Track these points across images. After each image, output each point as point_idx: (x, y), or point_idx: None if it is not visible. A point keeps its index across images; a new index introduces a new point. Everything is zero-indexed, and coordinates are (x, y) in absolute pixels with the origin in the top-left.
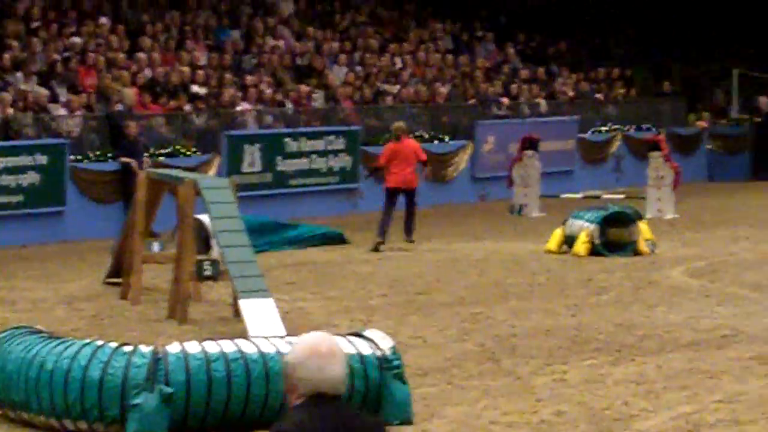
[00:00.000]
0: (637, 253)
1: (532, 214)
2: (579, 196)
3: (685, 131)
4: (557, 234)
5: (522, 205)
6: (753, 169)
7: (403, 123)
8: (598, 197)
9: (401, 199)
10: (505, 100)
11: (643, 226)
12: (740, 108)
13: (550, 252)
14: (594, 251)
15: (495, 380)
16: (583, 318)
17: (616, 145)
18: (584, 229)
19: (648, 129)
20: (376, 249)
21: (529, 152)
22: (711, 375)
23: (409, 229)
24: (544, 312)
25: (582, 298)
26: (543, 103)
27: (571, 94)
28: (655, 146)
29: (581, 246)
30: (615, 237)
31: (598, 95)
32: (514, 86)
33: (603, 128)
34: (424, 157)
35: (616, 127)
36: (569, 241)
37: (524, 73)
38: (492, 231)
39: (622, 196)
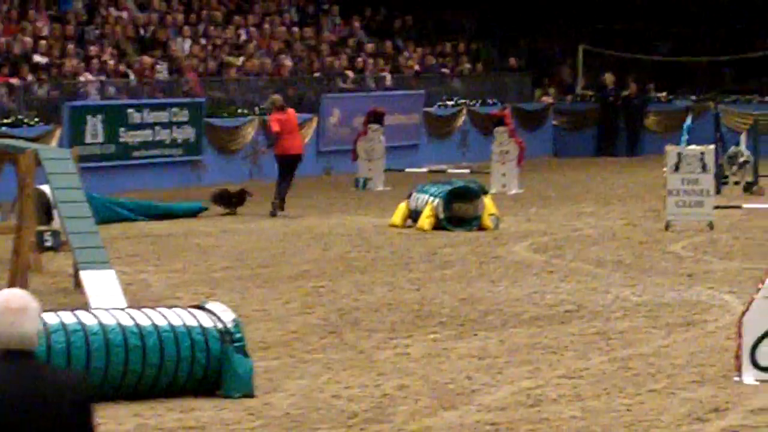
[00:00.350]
0: (481, 227)
1: (376, 188)
2: (424, 170)
3: (531, 107)
4: (402, 208)
5: (367, 179)
6: (597, 146)
7: (278, 95)
8: (443, 172)
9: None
10: (351, 74)
11: (487, 201)
12: (585, 84)
13: (394, 226)
14: (438, 225)
15: (338, 354)
16: (427, 292)
17: (462, 119)
18: (429, 203)
19: (493, 104)
20: (273, 213)
21: (375, 126)
22: (553, 350)
23: (281, 197)
24: (388, 286)
25: (426, 272)
26: (388, 77)
27: (416, 68)
28: (500, 121)
29: (426, 220)
30: (459, 211)
31: (444, 70)
32: (359, 60)
33: (449, 103)
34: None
35: (462, 101)
36: (414, 215)
37: (370, 47)
38: (337, 205)
39: (467, 170)
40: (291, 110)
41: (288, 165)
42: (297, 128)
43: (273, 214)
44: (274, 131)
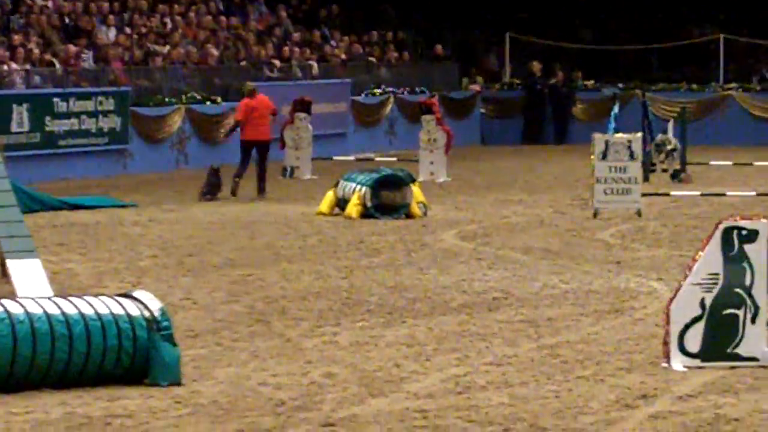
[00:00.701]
0: (409, 215)
1: (304, 177)
2: (351, 158)
3: (458, 95)
4: (329, 196)
5: (294, 168)
6: (525, 134)
7: (251, 83)
8: (370, 160)
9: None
10: (277, 63)
11: (415, 189)
12: (512, 73)
13: (322, 214)
14: (366, 214)
15: (265, 342)
16: (355, 280)
17: (389, 108)
18: (356, 191)
19: (421, 92)
20: (233, 193)
21: (302, 115)
22: (482, 337)
23: (262, 188)
24: (316, 274)
25: (354, 260)
26: (315, 66)
27: (343, 56)
28: (427, 109)
29: (353, 208)
30: (387, 199)
31: (371, 58)
32: (286, 49)
33: (376, 91)
34: (273, 107)
35: (389, 90)
36: (341, 203)
37: (296, 36)
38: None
39: (394, 158)
40: (261, 97)
41: (248, 151)
42: (265, 115)
43: (233, 193)
44: (236, 118)
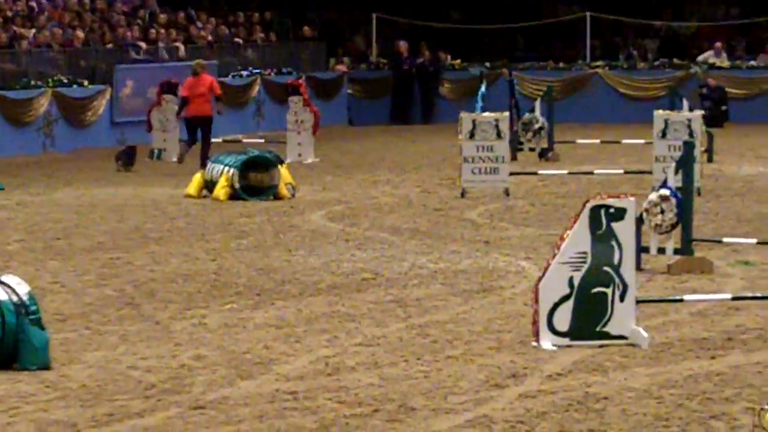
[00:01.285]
0: (277, 197)
1: (171, 159)
2: (219, 140)
3: (325, 76)
4: (197, 178)
5: (161, 150)
6: (392, 114)
7: (203, 60)
8: (238, 141)
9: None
10: (144, 45)
11: (283, 170)
12: (379, 53)
13: (189, 196)
14: (234, 195)
15: (134, 325)
16: (224, 262)
17: (256, 89)
18: (224, 173)
19: (288, 73)
20: (180, 159)
21: (169, 97)
22: (351, 318)
23: (204, 163)
24: (184, 257)
25: (222, 242)
26: (182, 48)
27: (209, 38)
28: (294, 90)
29: (221, 190)
30: (255, 181)
31: (237, 39)
32: (152, 31)
33: (243, 73)
34: (218, 92)
35: (256, 71)
36: (209, 185)
37: (163, 18)
38: (131, 176)
39: (262, 140)
40: (205, 76)
41: (194, 127)
42: (207, 93)
43: (179, 161)
44: (180, 95)
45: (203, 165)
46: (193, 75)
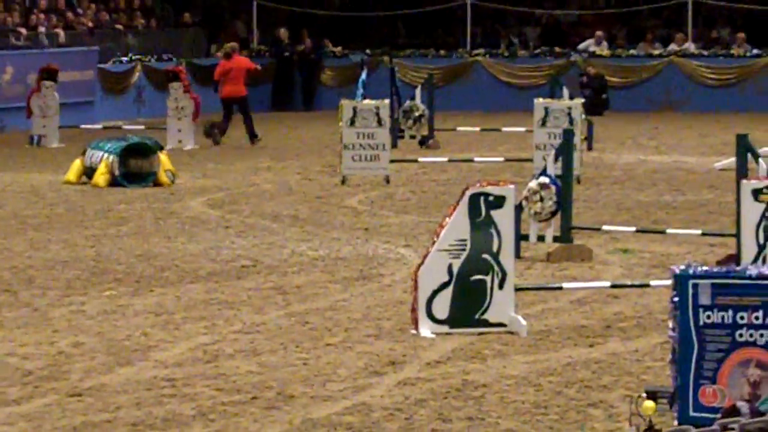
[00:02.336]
0: (157, 183)
1: (51, 145)
2: (99, 126)
3: (206, 62)
4: (77, 165)
5: (41, 136)
6: (273, 100)
7: (235, 43)
8: (118, 128)
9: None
10: (24, 31)
11: (163, 156)
12: (260, 40)
13: (69, 183)
14: (114, 182)
15: (12, 312)
16: (103, 249)
17: (137, 75)
18: (104, 159)
19: (169, 60)
20: (216, 143)
21: (48, 83)
22: (230, 305)
23: (251, 134)
24: (63, 243)
25: (101, 229)
26: (62, 34)
27: (90, 24)
28: (175, 77)
29: (101, 177)
30: (135, 168)
31: (118, 26)
32: (32, 17)
33: (123, 59)
34: (252, 66)
35: (137, 57)
36: (89, 172)
37: (43, 4)
38: (10, 162)
39: (142, 126)
40: (238, 57)
41: (230, 107)
42: (240, 74)
43: (216, 143)
44: (215, 78)
45: (253, 138)
46: (226, 58)
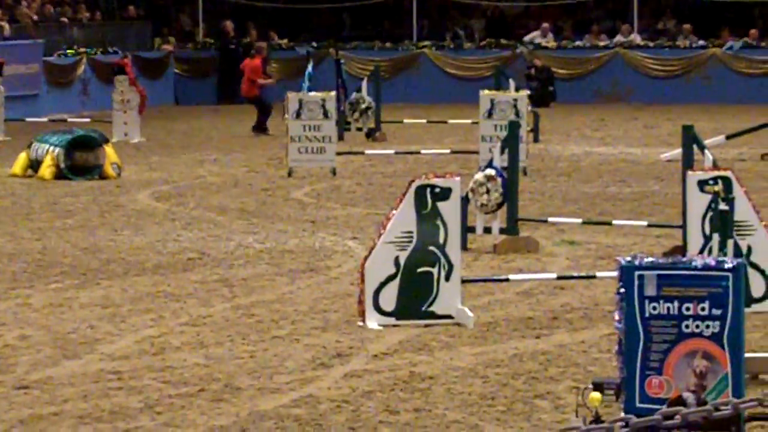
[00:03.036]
0: (103, 176)
1: None
2: (44, 119)
3: (151, 55)
4: (22, 158)
5: None
6: (219, 93)
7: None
8: (64, 121)
9: None
10: None
11: (109, 149)
12: (206, 32)
13: (14, 176)
14: (60, 175)
15: None
16: (48, 242)
17: (82, 68)
18: (49, 152)
19: (114, 53)
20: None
21: None
22: (176, 298)
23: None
24: (9, 236)
25: (47, 221)
26: (7, 27)
27: (35, 17)
28: (120, 70)
29: (46, 170)
30: (81, 160)
31: (63, 18)
32: None
33: (68, 51)
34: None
35: (82, 50)
36: (34, 165)
37: None
38: None
39: (88, 119)
40: (257, 58)
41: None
42: (247, 73)
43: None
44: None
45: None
46: (251, 57)
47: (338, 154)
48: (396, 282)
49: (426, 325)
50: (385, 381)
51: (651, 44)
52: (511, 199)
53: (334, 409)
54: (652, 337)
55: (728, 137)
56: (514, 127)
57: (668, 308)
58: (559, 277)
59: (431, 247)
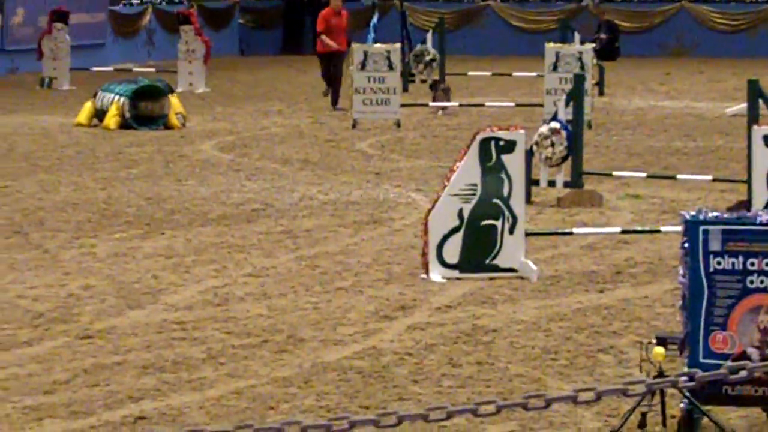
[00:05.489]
0: (167, 126)
1: (62, 87)
2: (110, 69)
3: (217, 5)
4: (87, 107)
5: (52, 78)
6: (283, 44)
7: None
8: (129, 70)
9: None
10: None
11: (174, 99)
12: None
13: (80, 125)
14: (124, 124)
15: (22, 254)
16: (113, 191)
17: (148, 18)
18: (114, 102)
19: (180, 2)
20: (326, 94)
21: (59, 25)
22: (240, 249)
23: (335, 100)
24: (74, 185)
25: (112, 171)
26: None
27: None
28: (186, 19)
29: (111, 119)
30: (146, 110)
31: None
32: None
33: (134, 1)
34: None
35: (148, 0)
36: (100, 114)
37: None
38: (22, 104)
39: (153, 69)
40: (344, 13)
41: (327, 61)
42: (343, 30)
43: (326, 94)
44: (318, 30)
45: (335, 102)
46: (336, 15)
47: (402, 105)
48: (459, 235)
49: (489, 278)
50: (447, 334)
51: None
52: (576, 153)
53: (396, 361)
54: (716, 292)
55: None
56: (579, 80)
57: (733, 263)
58: (623, 231)
59: (495, 200)
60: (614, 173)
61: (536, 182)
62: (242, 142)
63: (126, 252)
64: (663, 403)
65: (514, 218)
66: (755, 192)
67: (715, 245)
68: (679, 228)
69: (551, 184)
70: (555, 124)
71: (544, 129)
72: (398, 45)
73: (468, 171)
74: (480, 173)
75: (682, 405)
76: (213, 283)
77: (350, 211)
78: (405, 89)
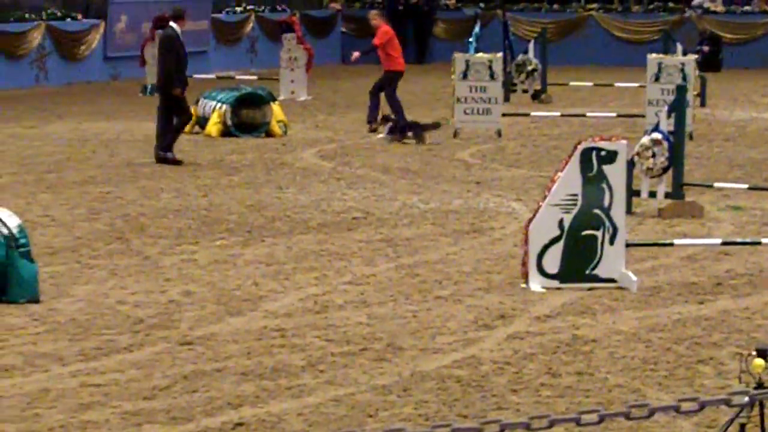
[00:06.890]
0: (269, 134)
1: None
2: (212, 76)
3: (319, 13)
4: None
5: (154, 85)
6: None
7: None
8: (231, 78)
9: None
10: None
11: (275, 107)
12: None
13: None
14: (226, 132)
15: (123, 260)
16: (214, 198)
17: (250, 26)
18: (216, 109)
19: (282, 11)
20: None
21: (161, 32)
22: (340, 257)
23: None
24: (175, 192)
25: (213, 178)
26: None
27: None
28: (288, 28)
29: (213, 126)
30: (247, 118)
31: None
32: None
33: (237, 9)
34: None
35: (250, 8)
36: (201, 121)
37: None
38: (123, 111)
39: (255, 77)
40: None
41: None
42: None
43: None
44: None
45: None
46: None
47: (504, 115)
48: (560, 244)
49: (589, 288)
50: (547, 343)
51: None
52: (677, 164)
53: (496, 370)
54: None
55: None
56: (681, 91)
57: None
58: (724, 243)
59: (596, 210)
60: (715, 185)
61: (637, 193)
62: (343, 150)
63: (226, 259)
64: (762, 415)
65: (615, 229)
66: None
67: None
68: None
69: (652, 195)
70: (656, 135)
71: (645, 140)
72: (500, 55)
73: (569, 181)
74: (581, 183)
75: None
76: (313, 290)
77: (450, 220)
78: (506, 99)
